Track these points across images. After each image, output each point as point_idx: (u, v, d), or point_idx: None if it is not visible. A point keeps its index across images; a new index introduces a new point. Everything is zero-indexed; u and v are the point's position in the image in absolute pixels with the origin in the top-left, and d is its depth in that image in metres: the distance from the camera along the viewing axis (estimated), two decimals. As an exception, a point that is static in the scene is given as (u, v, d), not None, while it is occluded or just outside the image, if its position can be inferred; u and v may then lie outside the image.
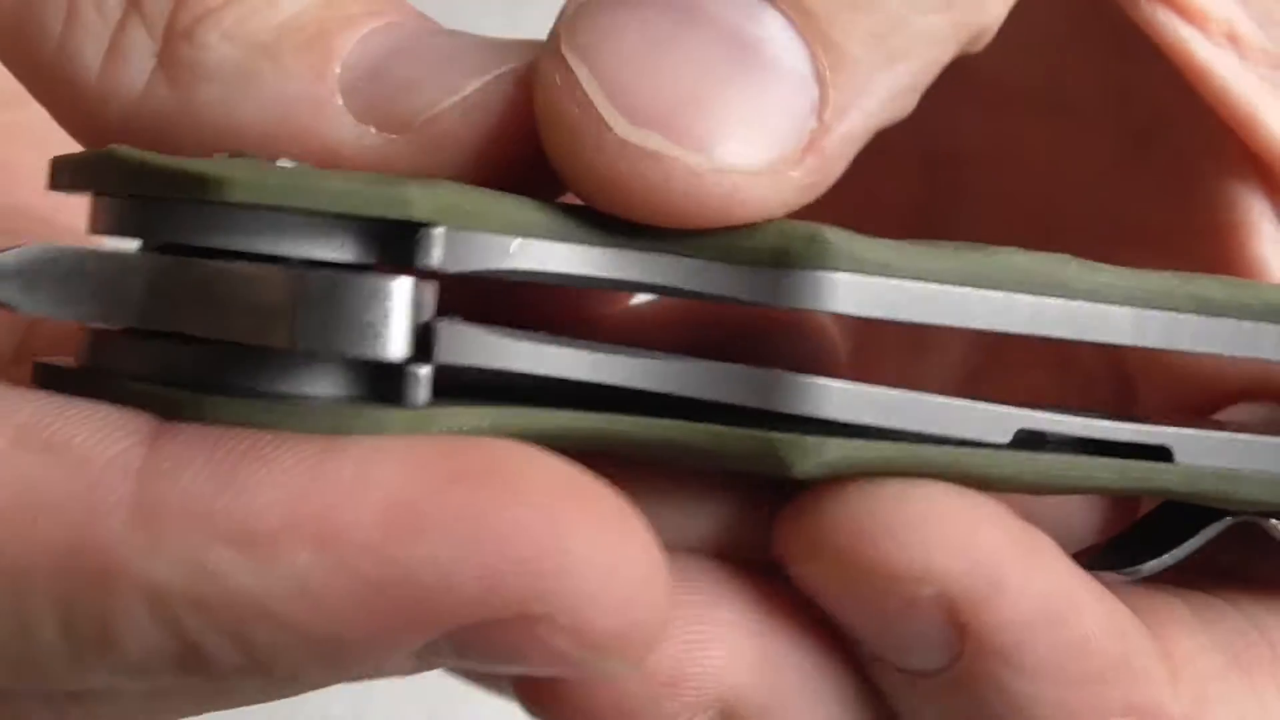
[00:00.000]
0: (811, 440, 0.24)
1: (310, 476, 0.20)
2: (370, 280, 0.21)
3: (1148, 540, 0.27)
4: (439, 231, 0.22)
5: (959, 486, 0.24)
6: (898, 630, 0.24)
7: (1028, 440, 0.25)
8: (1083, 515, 0.29)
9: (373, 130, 0.23)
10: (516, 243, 0.23)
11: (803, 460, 0.24)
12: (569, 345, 0.24)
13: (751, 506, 0.25)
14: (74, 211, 0.25)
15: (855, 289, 0.23)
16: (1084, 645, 0.24)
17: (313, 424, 0.21)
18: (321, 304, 0.21)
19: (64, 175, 0.23)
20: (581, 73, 0.22)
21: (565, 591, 0.20)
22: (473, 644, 0.21)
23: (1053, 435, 0.25)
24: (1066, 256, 0.24)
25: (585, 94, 0.22)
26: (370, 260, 0.22)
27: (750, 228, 0.23)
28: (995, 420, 0.25)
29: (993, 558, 0.24)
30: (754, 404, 0.24)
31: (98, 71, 0.24)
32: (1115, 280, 0.24)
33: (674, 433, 0.24)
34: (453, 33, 0.24)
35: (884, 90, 0.23)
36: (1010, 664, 0.24)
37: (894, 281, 0.23)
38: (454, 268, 0.22)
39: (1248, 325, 0.25)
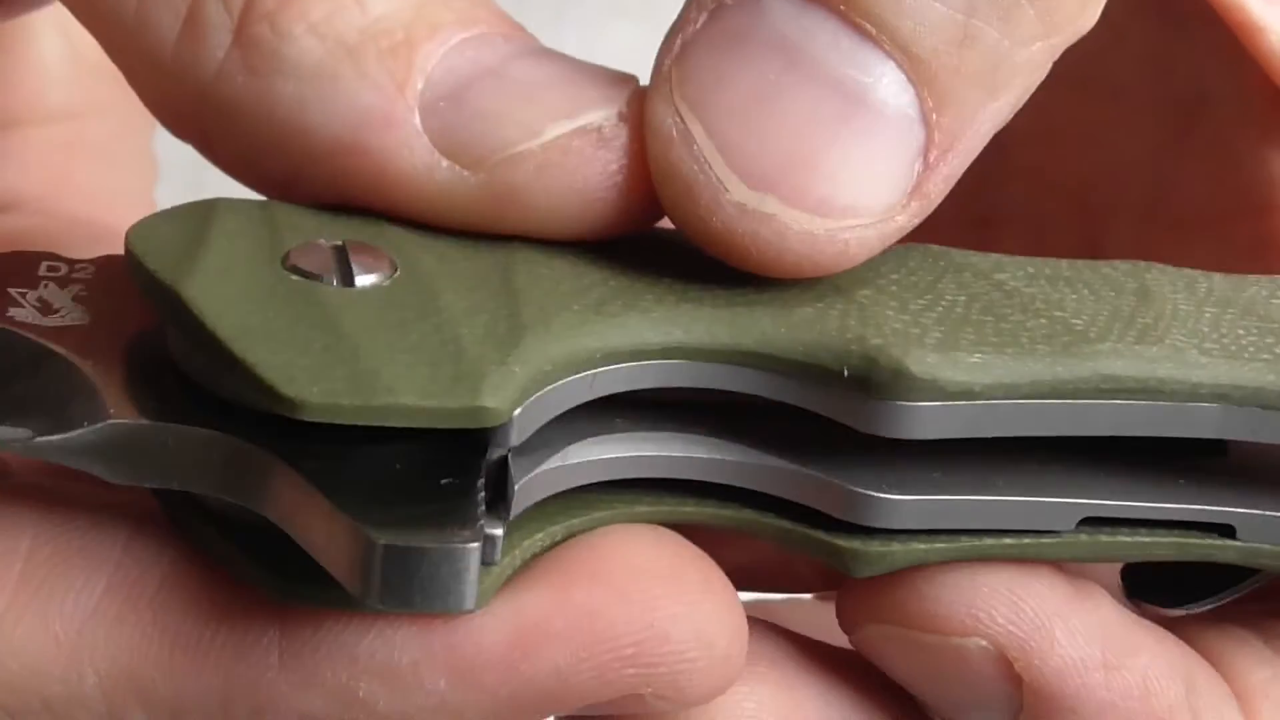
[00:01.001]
0: (875, 550, 0.24)
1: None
2: (442, 550, 0.20)
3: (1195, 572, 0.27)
4: (516, 416, 0.22)
5: None
6: (958, 689, 0.24)
7: (1090, 520, 0.25)
8: None
9: (444, 164, 0.23)
10: (593, 376, 0.23)
11: (866, 568, 0.24)
12: (637, 443, 0.24)
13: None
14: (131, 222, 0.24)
15: (937, 416, 0.23)
16: (1145, 686, 0.24)
17: None
18: (395, 572, 0.20)
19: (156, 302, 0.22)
20: (696, 129, 0.22)
21: (668, 673, 0.22)
22: (585, 712, 0.23)
23: (1115, 518, 0.25)
24: (1164, 351, 0.24)
25: (701, 153, 0.22)
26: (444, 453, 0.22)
27: (837, 345, 0.23)
28: (1059, 512, 0.25)
29: (1039, 605, 0.24)
30: (825, 510, 0.24)
31: (173, 44, 0.23)
32: (1207, 379, 0.24)
33: (743, 523, 0.24)
34: (545, 55, 0.24)
35: (987, 125, 0.23)
36: (1069, 711, 0.24)
37: (978, 404, 0.23)
38: (532, 429, 0.22)
39: None
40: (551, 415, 0.23)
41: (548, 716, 0.23)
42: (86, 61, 0.33)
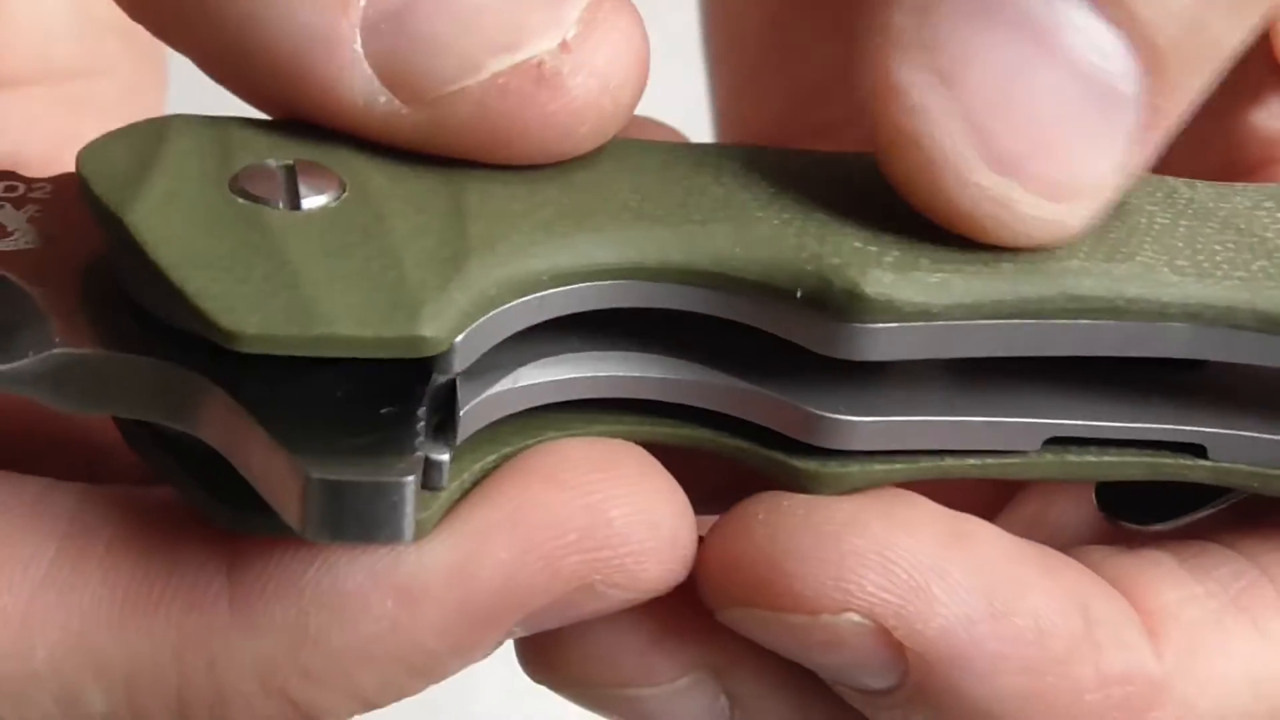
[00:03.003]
0: (833, 471, 0.24)
1: None
2: (377, 484, 0.20)
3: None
4: (459, 342, 0.21)
5: (872, 490, 0.24)
6: (837, 662, 0.23)
7: (1057, 440, 0.24)
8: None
9: (383, 98, 0.22)
10: (541, 298, 0.22)
11: (824, 488, 0.24)
12: (590, 363, 0.24)
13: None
14: None
15: (894, 338, 0.23)
16: (1037, 629, 0.23)
17: None
18: (329, 506, 0.20)
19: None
20: (947, 106, 0.22)
21: (615, 557, 0.22)
22: (541, 618, 0.23)
23: (1082, 438, 0.24)
24: (1133, 269, 0.23)
25: (951, 131, 0.22)
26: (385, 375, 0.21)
27: (792, 265, 0.23)
28: (1024, 432, 0.24)
29: (914, 563, 0.23)
30: (785, 432, 0.24)
31: None
32: (1176, 298, 0.23)
33: (701, 441, 0.24)
34: None
35: (1185, 111, 0.23)
36: (960, 669, 0.23)
37: (937, 324, 0.23)
38: (478, 353, 0.22)
39: None
40: (500, 338, 0.22)
41: (507, 627, 0.23)
42: (94, 19, 0.33)
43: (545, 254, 0.22)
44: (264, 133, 0.23)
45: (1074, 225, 0.23)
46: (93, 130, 0.24)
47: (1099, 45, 0.22)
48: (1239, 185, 0.26)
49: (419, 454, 0.20)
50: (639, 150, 0.24)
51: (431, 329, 0.21)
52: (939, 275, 0.23)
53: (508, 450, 0.23)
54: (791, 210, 0.23)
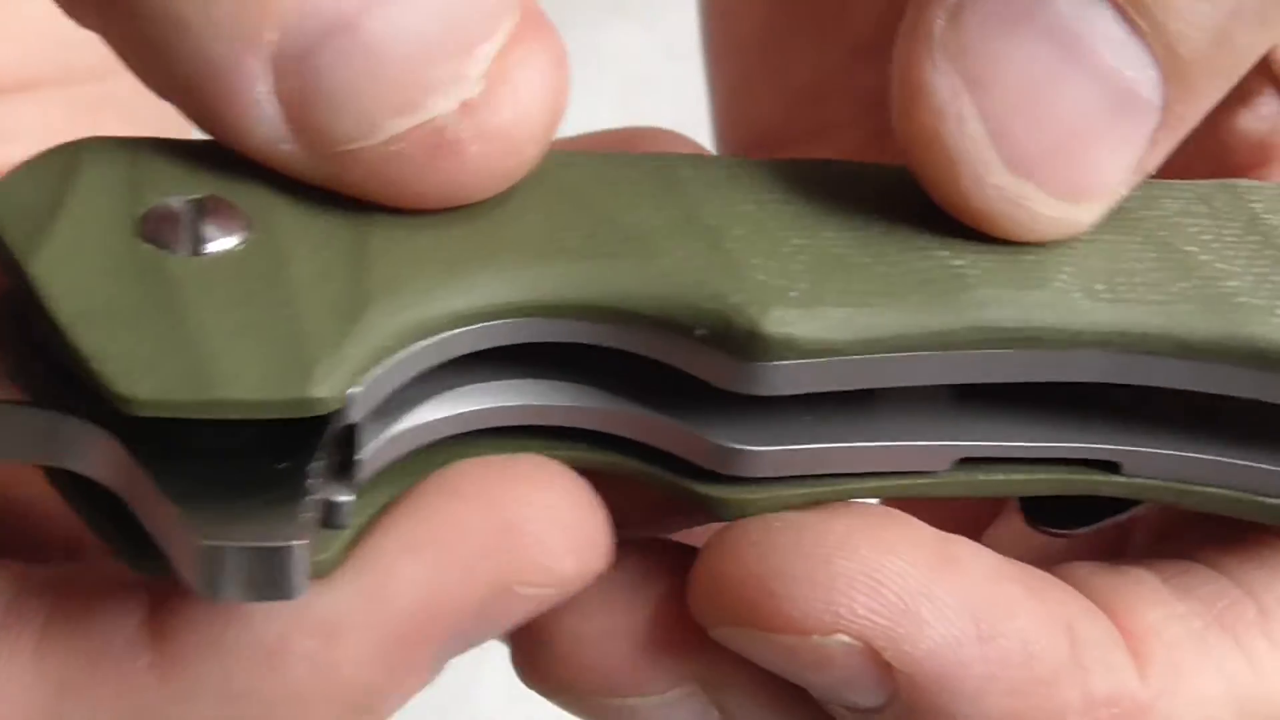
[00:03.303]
0: (739, 498, 0.24)
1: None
2: (265, 549, 0.20)
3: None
4: (355, 393, 0.21)
5: (863, 508, 0.24)
6: (827, 680, 0.23)
7: (968, 460, 0.24)
8: None
9: (286, 145, 0.22)
10: (442, 340, 0.22)
11: (732, 514, 0.24)
12: (498, 393, 0.23)
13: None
14: None
15: (798, 374, 0.22)
16: (1024, 651, 0.23)
17: None
18: (221, 569, 0.20)
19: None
20: (969, 109, 0.23)
21: (526, 555, 0.22)
22: (470, 632, 0.23)
23: (993, 457, 0.24)
24: (1046, 296, 0.23)
25: (973, 132, 0.23)
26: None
27: (693, 303, 0.22)
28: (934, 454, 0.24)
29: (902, 585, 0.23)
30: (689, 459, 0.24)
31: None
32: (1088, 325, 0.23)
33: (613, 466, 0.24)
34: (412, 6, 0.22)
35: (1203, 115, 0.24)
36: (948, 691, 0.23)
37: (840, 359, 0.22)
38: (380, 398, 0.22)
39: (1226, 369, 0.23)
40: (402, 381, 0.22)
41: (435, 645, 0.23)
42: None
43: (445, 297, 0.22)
44: (178, 158, 0.23)
45: (1085, 222, 0.24)
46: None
47: (1125, 55, 0.23)
48: (1174, 184, 0.26)
49: (308, 515, 0.21)
50: (558, 169, 0.24)
51: (324, 389, 0.21)
52: (843, 311, 0.22)
53: (413, 480, 0.23)
54: (701, 239, 0.23)
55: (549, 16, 0.23)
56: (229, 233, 0.22)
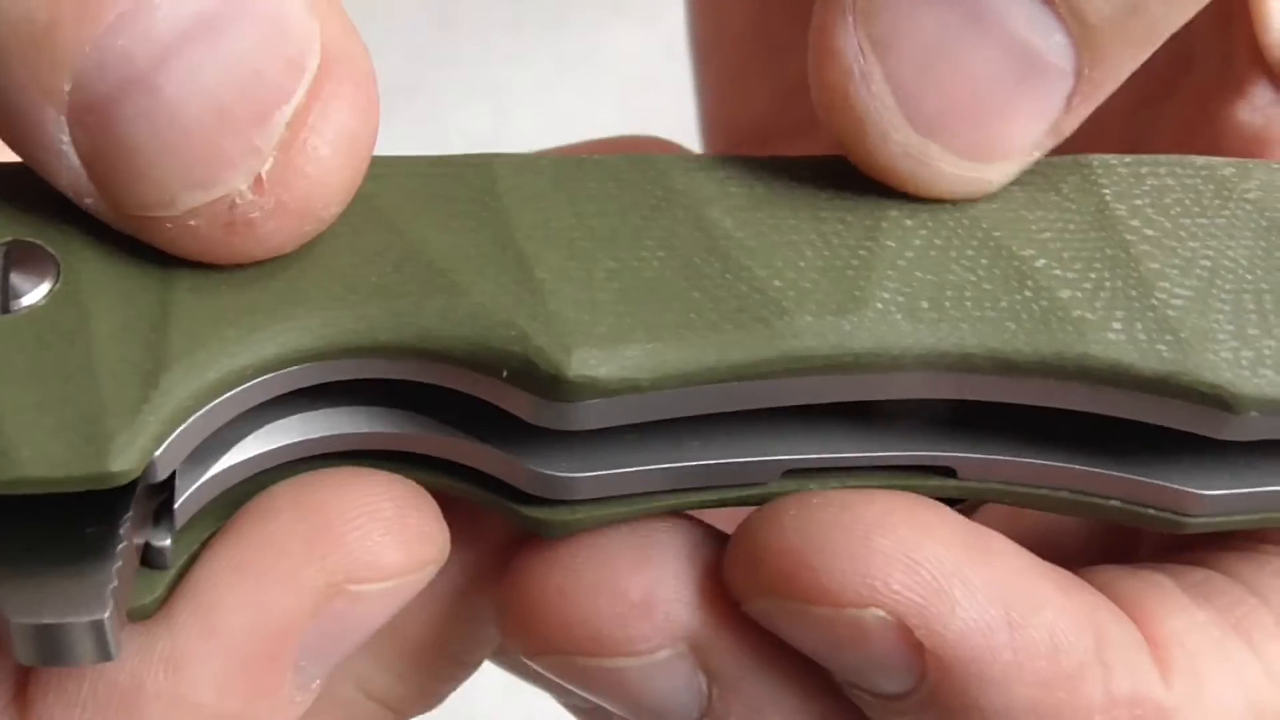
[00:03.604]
0: (562, 519, 0.24)
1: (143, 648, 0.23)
2: (71, 625, 0.21)
3: None
4: (159, 455, 0.21)
5: (897, 493, 0.24)
6: (858, 658, 0.23)
7: (798, 472, 0.24)
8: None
9: (89, 199, 0.22)
10: (247, 389, 0.22)
11: (556, 533, 0.24)
12: (315, 423, 0.23)
13: None
14: None
15: (605, 410, 0.22)
16: (1051, 644, 0.23)
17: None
18: (34, 642, 0.21)
19: None
20: (876, 70, 0.23)
21: (347, 552, 0.23)
22: (323, 643, 0.23)
23: (823, 467, 0.24)
24: (864, 320, 0.22)
25: (877, 92, 0.23)
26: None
27: (498, 345, 0.22)
28: (759, 469, 0.24)
29: (938, 566, 0.23)
30: (512, 484, 0.24)
31: None
32: (911, 348, 0.23)
33: (441, 488, 0.24)
34: (206, 53, 0.21)
35: (1127, 74, 0.24)
36: (975, 675, 0.23)
37: (646, 396, 0.22)
38: (186, 452, 0.22)
39: (1053, 385, 0.23)
40: (209, 432, 0.22)
41: (287, 660, 0.23)
42: None
43: (247, 350, 0.22)
44: None
45: (995, 181, 0.24)
46: None
47: (1035, 21, 0.23)
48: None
49: (112, 588, 0.21)
50: (373, 186, 0.23)
51: (121, 462, 0.21)
52: (650, 345, 0.22)
53: (234, 511, 0.23)
54: (511, 270, 0.23)
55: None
56: (37, 282, 0.22)
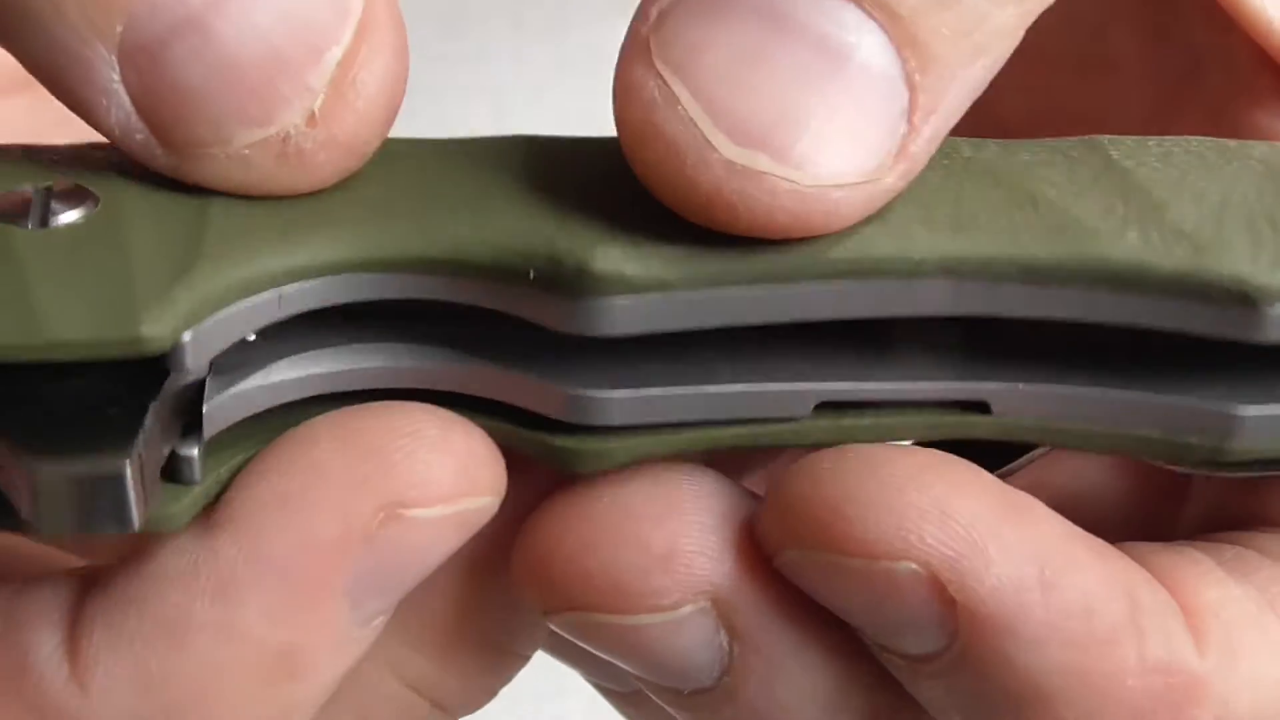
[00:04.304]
0: (592, 448, 0.24)
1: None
2: (92, 475, 0.21)
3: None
4: (188, 341, 0.22)
5: (935, 451, 0.24)
6: (890, 614, 0.24)
7: (831, 405, 0.24)
8: (1112, 479, 0.29)
9: (139, 135, 0.23)
10: (279, 294, 0.23)
11: (586, 466, 0.24)
12: (344, 357, 0.24)
13: None
14: None
15: (632, 312, 0.23)
16: (1085, 605, 0.23)
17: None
18: (54, 498, 0.21)
19: None
20: (680, 91, 0.22)
21: (396, 478, 0.23)
22: (381, 570, 0.23)
23: (857, 401, 0.24)
24: (883, 227, 0.23)
25: (686, 113, 0.22)
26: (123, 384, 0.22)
27: (523, 247, 0.23)
28: (792, 399, 0.24)
29: (973, 522, 0.23)
30: (543, 412, 0.24)
31: None
32: (931, 254, 0.23)
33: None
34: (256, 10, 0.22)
35: (967, 88, 0.23)
36: (1008, 634, 0.23)
37: (676, 296, 0.23)
38: (216, 351, 0.22)
39: (1077, 293, 0.23)
40: (239, 336, 0.23)
41: (339, 587, 0.23)
42: None
43: (278, 254, 0.23)
44: (51, 160, 0.24)
45: (843, 207, 0.23)
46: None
47: (839, 18, 0.22)
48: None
49: (137, 449, 0.21)
50: (396, 147, 0.24)
51: (150, 328, 0.21)
52: (675, 247, 0.23)
53: (266, 441, 0.24)
54: (537, 199, 0.23)
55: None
56: (75, 208, 0.23)
